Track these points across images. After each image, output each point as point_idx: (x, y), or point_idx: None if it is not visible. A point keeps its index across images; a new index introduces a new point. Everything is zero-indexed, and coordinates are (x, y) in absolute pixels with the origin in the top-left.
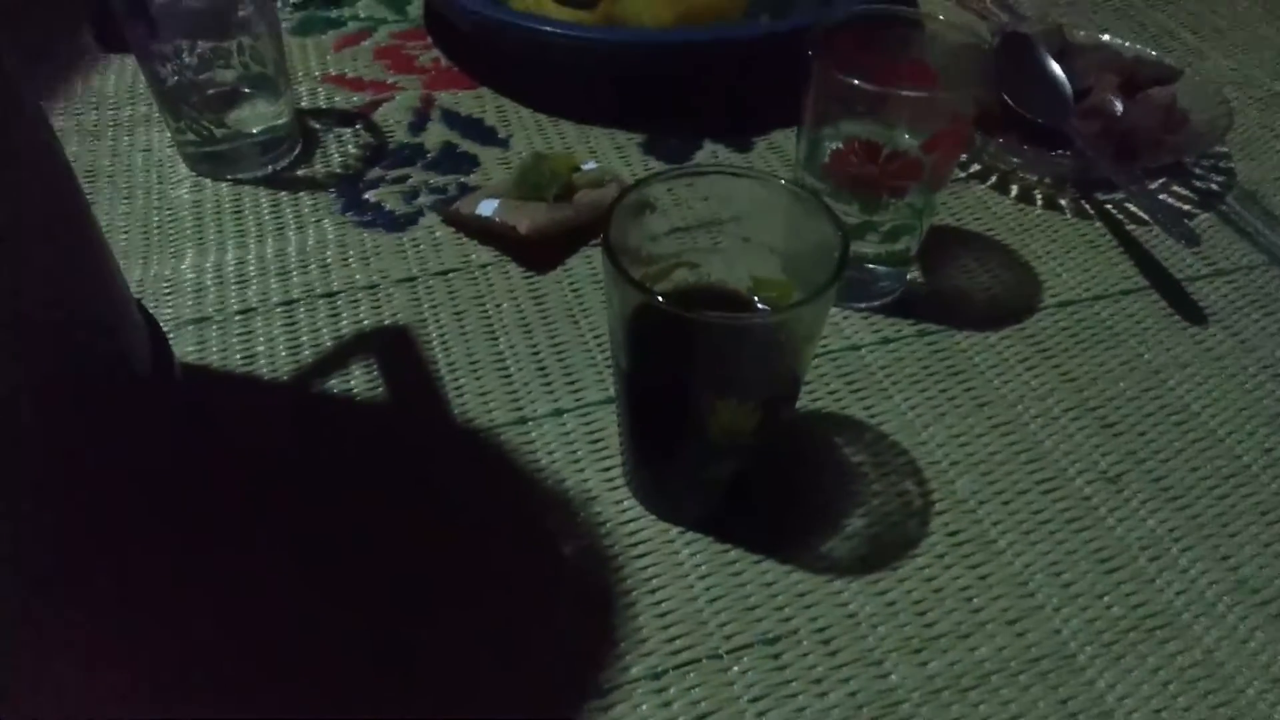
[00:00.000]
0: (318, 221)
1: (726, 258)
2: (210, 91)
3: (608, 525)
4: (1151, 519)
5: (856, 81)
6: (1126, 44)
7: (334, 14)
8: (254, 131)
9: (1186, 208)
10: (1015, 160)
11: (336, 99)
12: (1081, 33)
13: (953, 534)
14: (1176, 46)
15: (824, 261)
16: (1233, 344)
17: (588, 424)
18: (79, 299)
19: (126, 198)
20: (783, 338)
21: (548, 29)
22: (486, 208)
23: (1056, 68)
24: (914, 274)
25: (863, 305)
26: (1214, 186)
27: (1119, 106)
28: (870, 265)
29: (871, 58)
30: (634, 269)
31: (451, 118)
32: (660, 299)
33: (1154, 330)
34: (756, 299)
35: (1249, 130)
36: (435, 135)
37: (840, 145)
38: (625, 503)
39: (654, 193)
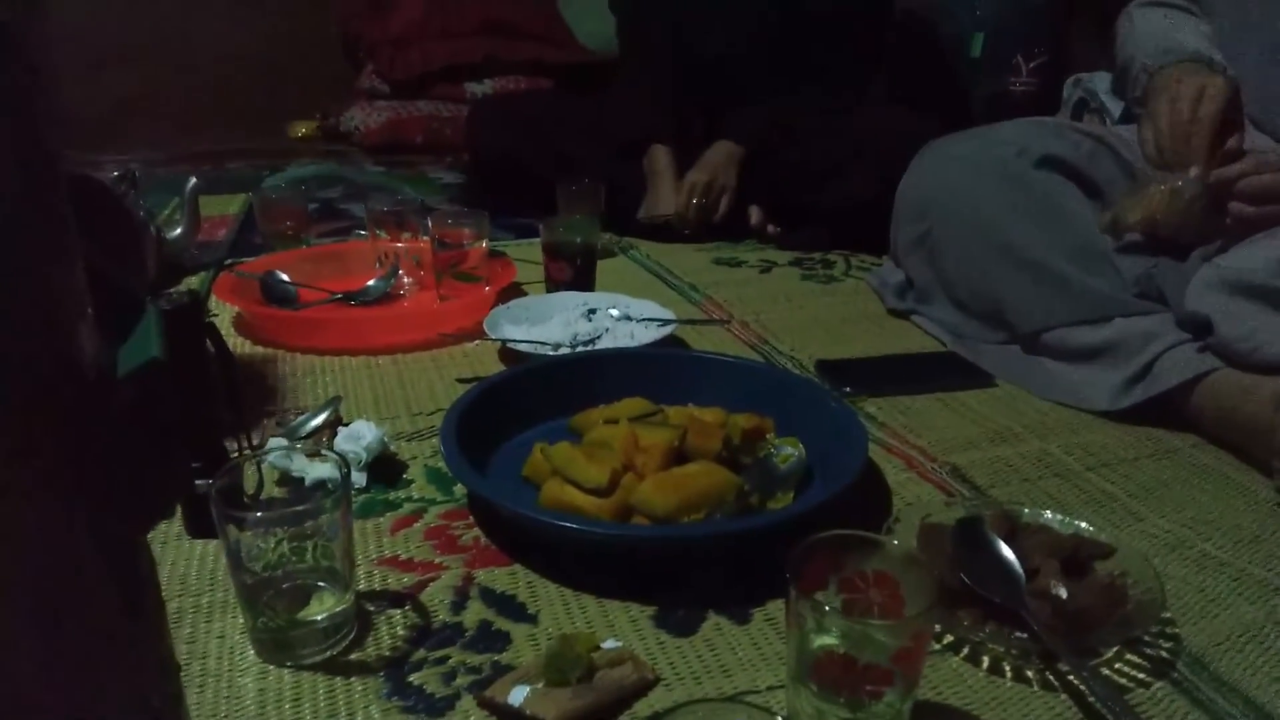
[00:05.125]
0: (366, 707)
1: None
2: (285, 585)
3: None
4: None
5: (829, 608)
6: (1065, 519)
7: (391, 496)
8: (318, 619)
9: (1141, 676)
10: (982, 633)
11: (389, 580)
12: (1026, 510)
13: None
14: (1114, 507)
15: None
16: None
17: None
18: None
19: (199, 688)
20: None
21: (570, 525)
22: (517, 696)
23: (1008, 552)
24: None
25: None
26: (1164, 654)
27: (1063, 592)
28: None
29: (842, 569)
30: None
31: (488, 595)
32: None
33: None
34: None
35: (1188, 595)
36: (474, 613)
37: (824, 643)
38: None
39: None
